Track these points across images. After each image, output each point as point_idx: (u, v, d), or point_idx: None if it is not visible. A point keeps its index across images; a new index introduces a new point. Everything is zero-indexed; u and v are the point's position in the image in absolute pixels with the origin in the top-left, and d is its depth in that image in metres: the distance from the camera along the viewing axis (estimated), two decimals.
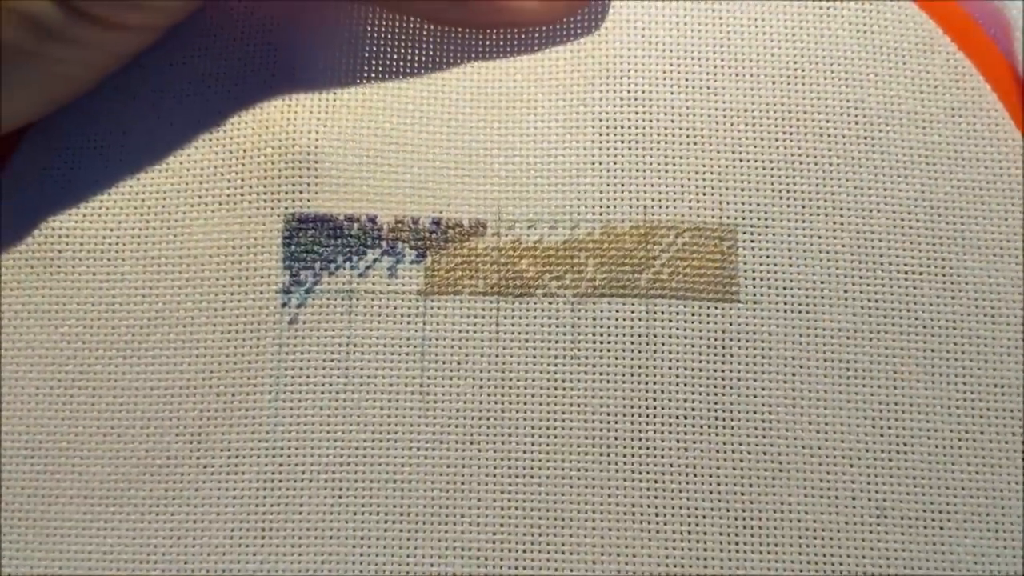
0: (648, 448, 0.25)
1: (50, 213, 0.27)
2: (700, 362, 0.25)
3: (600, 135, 0.27)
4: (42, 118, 0.27)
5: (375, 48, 0.28)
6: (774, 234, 0.26)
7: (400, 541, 0.25)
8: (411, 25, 0.28)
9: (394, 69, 0.28)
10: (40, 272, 0.26)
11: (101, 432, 0.26)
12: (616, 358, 0.25)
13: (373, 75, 0.28)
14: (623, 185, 0.26)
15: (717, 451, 0.25)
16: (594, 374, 0.25)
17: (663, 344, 0.25)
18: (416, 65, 0.28)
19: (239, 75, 0.28)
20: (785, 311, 0.26)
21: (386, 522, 0.25)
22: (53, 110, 0.27)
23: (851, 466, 0.25)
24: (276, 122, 0.27)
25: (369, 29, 0.28)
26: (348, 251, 0.26)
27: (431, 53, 0.28)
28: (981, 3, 0.29)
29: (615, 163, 0.27)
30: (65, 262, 0.26)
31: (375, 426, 0.25)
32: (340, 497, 0.25)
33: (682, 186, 0.26)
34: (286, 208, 0.26)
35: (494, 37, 0.28)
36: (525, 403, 0.25)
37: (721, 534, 0.24)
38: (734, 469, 0.25)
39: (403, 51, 0.28)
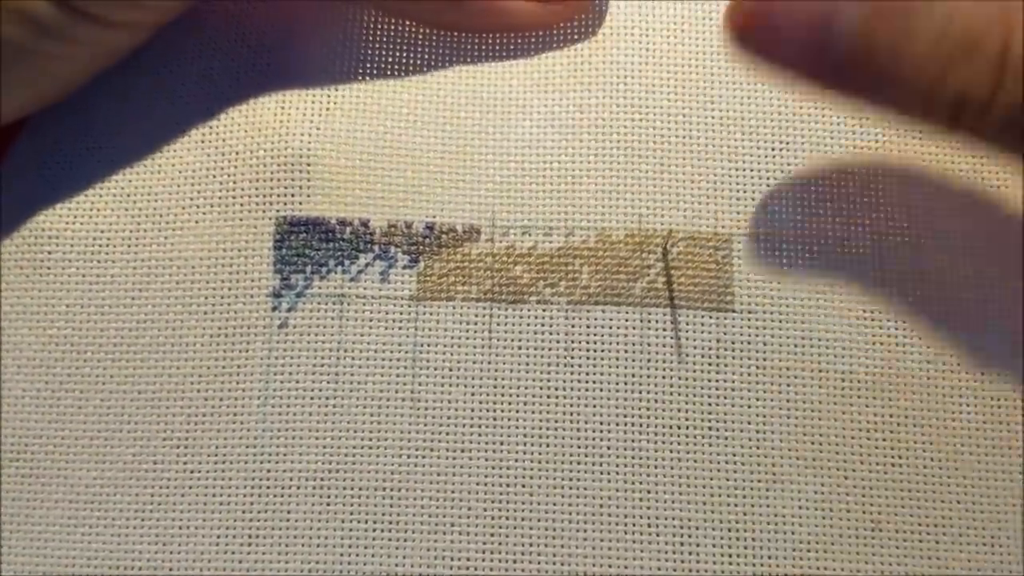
0: (641, 457, 0.25)
1: (40, 214, 0.26)
2: (694, 371, 0.25)
3: (596, 142, 0.27)
4: (34, 118, 0.27)
5: (370, 51, 0.28)
6: (769, 244, 0.26)
7: (388, 549, 0.24)
8: (406, 28, 0.28)
9: (389, 72, 0.27)
10: (29, 273, 0.26)
11: (88, 435, 0.25)
12: (610, 366, 0.25)
13: (367, 78, 0.27)
14: (618, 192, 0.26)
15: (710, 461, 0.25)
16: (587, 382, 0.25)
17: (657, 353, 0.25)
18: (411, 69, 0.28)
19: (232, 77, 0.27)
20: (779, 321, 0.25)
21: (374, 529, 0.24)
22: (43, 107, 0.27)
23: (845, 478, 0.24)
24: (269, 124, 0.27)
25: (364, 32, 0.28)
26: (340, 255, 0.26)
27: (426, 57, 0.28)
28: None
29: (610, 170, 0.26)
30: (55, 263, 0.26)
31: (365, 432, 0.25)
32: (328, 504, 0.25)
33: (677, 194, 0.26)
34: (278, 211, 0.26)
35: (490, 41, 0.28)
36: (517, 411, 0.25)
37: (714, 545, 0.24)
38: (727, 479, 0.24)
39: (398, 54, 0.28)
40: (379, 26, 0.28)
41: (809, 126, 0.27)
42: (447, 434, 0.25)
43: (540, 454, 0.25)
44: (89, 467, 0.25)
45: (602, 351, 0.25)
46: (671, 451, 0.25)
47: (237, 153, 0.27)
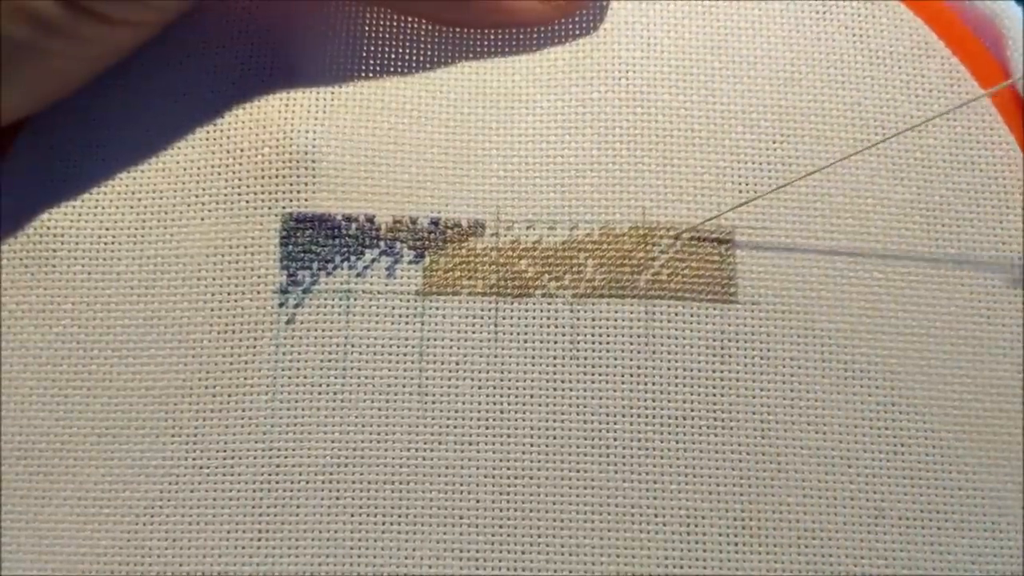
0: (647, 449, 0.25)
1: (45, 211, 0.26)
2: (699, 363, 0.25)
3: (599, 136, 0.27)
4: (36, 116, 0.27)
5: (373, 47, 0.28)
6: (772, 236, 0.26)
7: (398, 542, 0.24)
8: (410, 24, 0.28)
9: (392, 68, 0.28)
10: (35, 271, 0.26)
11: (96, 433, 0.25)
12: (615, 359, 0.25)
13: (371, 74, 0.27)
14: (622, 186, 0.26)
15: (716, 452, 0.25)
16: (593, 375, 0.25)
17: (662, 345, 0.25)
18: (415, 64, 0.28)
19: (237, 74, 0.27)
20: (783, 312, 0.26)
21: (384, 523, 0.25)
22: (45, 106, 0.27)
23: (849, 467, 0.25)
24: (273, 121, 0.27)
25: (367, 28, 0.28)
26: (346, 251, 0.26)
27: (430, 52, 0.28)
28: (974, 10, 0.29)
29: (614, 164, 0.27)
30: (60, 261, 0.26)
31: (373, 427, 0.25)
32: (338, 498, 0.25)
33: (680, 187, 0.27)
34: (283, 207, 0.26)
35: (493, 37, 0.28)
36: (524, 404, 0.25)
37: (720, 535, 0.24)
38: (733, 470, 0.25)
39: (402, 50, 0.28)
40: (382, 23, 0.28)
41: (809, 119, 0.27)
42: (455, 427, 0.25)
43: (547, 446, 0.25)
44: (97, 464, 0.25)
45: (607, 343, 0.25)
46: (677, 442, 0.25)
47: (242, 150, 0.27)
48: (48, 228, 0.26)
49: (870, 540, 0.24)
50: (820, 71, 0.27)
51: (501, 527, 0.25)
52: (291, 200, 0.26)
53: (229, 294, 0.26)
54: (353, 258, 0.26)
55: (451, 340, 0.26)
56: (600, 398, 0.25)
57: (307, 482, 0.25)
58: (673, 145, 0.27)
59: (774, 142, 0.27)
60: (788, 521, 0.24)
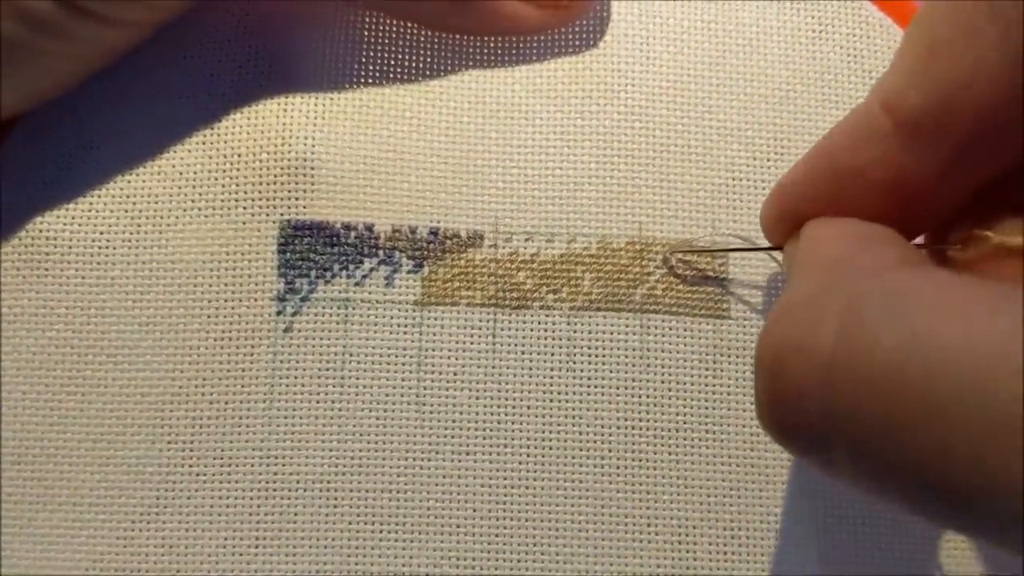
0: (641, 459, 0.25)
1: (39, 215, 0.26)
2: (692, 376, 0.26)
3: (598, 149, 0.27)
4: (28, 117, 0.27)
5: (373, 54, 0.28)
6: (763, 252, 0.27)
7: (395, 550, 0.25)
8: (410, 31, 0.28)
9: (392, 75, 0.28)
10: (27, 275, 0.26)
11: (91, 439, 0.25)
12: (610, 371, 0.26)
13: (371, 81, 0.27)
14: (619, 200, 0.27)
15: (707, 463, 0.25)
16: (589, 386, 0.26)
17: (656, 358, 0.26)
18: (414, 72, 0.28)
19: (235, 78, 0.27)
20: None
21: (381, 531, 0.25)
22: (38, 105, 0.26)
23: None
24: (272, 126, 0.27)
25: (367, 34, 0.28)
26: (344, 259, 0.26)
27: (430, 60, 0.28)
28: None
29: (612, 178, 0.27)
30: (54, 265, 0.26)
31: (370, 436, 0.25)
32: (335, 506, 0.25)
33: (676, 203, 0.27)
34: (281, 215, 0.26)
35: (493, 46, 0.28)
36: (521, 414, 0.26)
37: (711, 544, 0.25)
38: (724, 480, 0.25)
39: (401, 57, 0.28)
40: (382, 29, 0.28)
41: (804, 138, 0.28)
42: (452, 437, 0.25)
43: (542, 456, 0.25)
44: (92, 470, 0.25)
45: (603, 356, 0.26)
46: (669, 453, 0.26)
47: (239, 155, 0.26)
48: (41, 231, 0.26)
49: (858, 546, 0.25)
50: (815, 90, 0.28)
51: (497, 535, 0.25)
52: (289, 207, 0.26)
53: (226, 301, 0.26)
54: (352, 267, 0.26)
55: (449, 351, 0.26)
56: (595, 410, 0.26)
57: (304, 490, 0.25)
58: (670, 161, 0.27)
59: (768, 160, 0.27)
60: (776, 530, 0.25)
